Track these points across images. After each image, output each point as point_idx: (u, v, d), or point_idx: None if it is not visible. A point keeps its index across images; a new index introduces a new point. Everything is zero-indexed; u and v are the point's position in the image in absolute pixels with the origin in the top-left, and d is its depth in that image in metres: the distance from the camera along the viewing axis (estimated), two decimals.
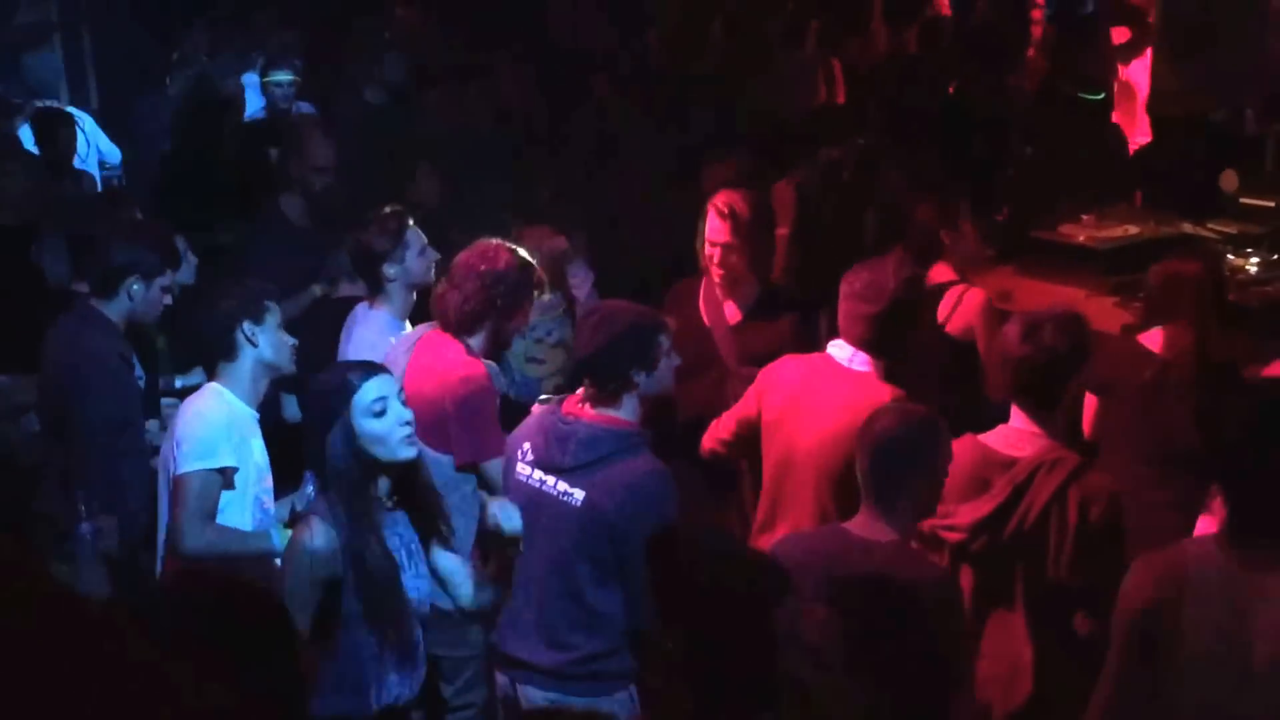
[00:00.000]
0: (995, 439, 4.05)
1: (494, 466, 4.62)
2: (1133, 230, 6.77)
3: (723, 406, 4.96)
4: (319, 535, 3.68)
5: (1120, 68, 8.61)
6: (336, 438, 3.73)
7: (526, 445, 4.23)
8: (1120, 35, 9.12)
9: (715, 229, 5.28)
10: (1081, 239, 6.69)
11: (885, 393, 4.31)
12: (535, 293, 4.98)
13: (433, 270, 5.30)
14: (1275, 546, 3.13)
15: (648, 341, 4.17)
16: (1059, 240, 6.72)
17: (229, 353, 4.47)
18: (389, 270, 5.29)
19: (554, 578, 4.18)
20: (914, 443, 3.73)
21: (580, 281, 6.08)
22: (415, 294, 5.36)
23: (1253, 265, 6.37)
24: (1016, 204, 7.15)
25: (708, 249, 5.30)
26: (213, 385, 4.50)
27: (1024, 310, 4.25)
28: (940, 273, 5.52)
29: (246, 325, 4.46)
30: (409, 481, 3.88)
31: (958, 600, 3.82)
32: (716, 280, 5.34)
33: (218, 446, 4.35)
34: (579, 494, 4.10)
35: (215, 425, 4.38)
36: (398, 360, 4.83)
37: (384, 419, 3.75)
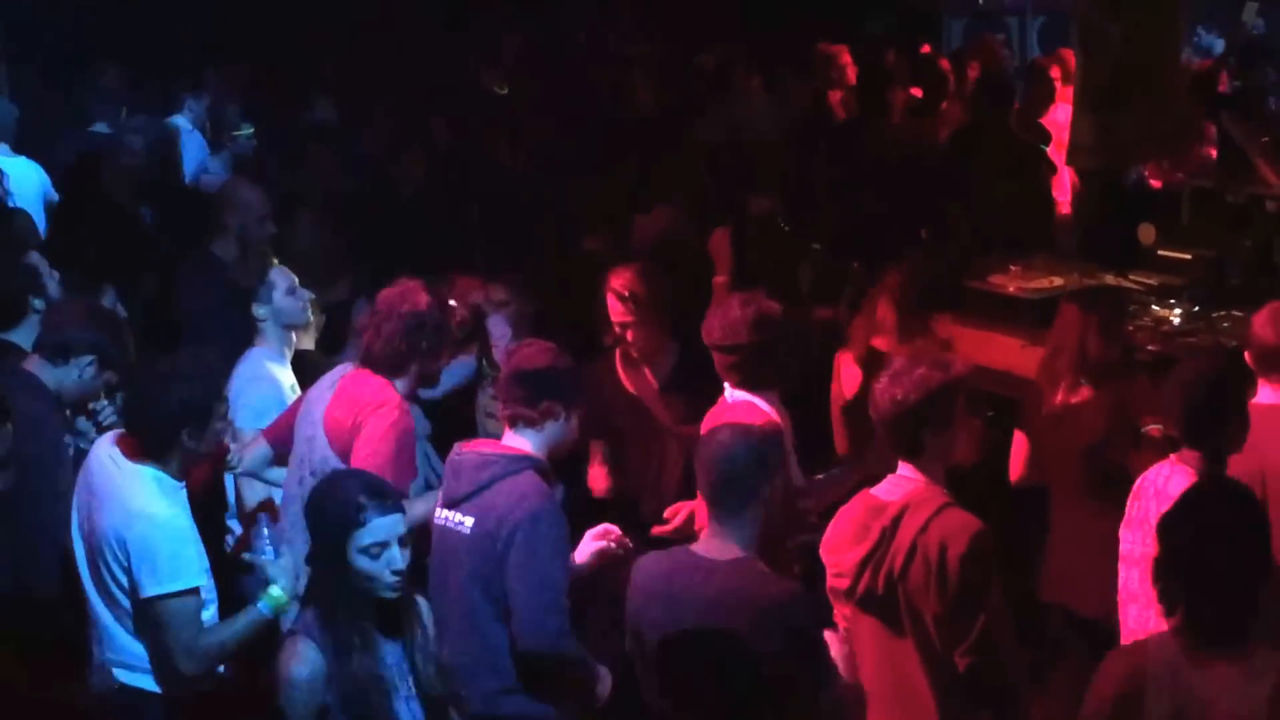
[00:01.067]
0: (881, 488, 4.18)
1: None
2: (1058, 281, 6.98)
3: (664, 469, 5.10)
4: (305, 662, 3.62)
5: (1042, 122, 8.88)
6: (327, 563, 3.70)
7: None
8: (1040, 94, 9.44)
9: (616, 311, 5.46)
10: (1011, 289, 6.91)
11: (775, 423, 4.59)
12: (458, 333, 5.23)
13: (308, 310, 5.52)
14: (1226, 644, 3.29)
15: (569, 380, 4.43)
16: (991, 290, 6.93)
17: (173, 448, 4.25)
18: (258, 310, 5.48)
19: (457, 613, 4.30)
20: (752, 457, 3.95)
21: (498, 339, 6.03)
22: (294, 334, 5.52)
23: (1175, 316, 6.61)
24: (957, 254, 7.36)
25: (616, 317, 5.48)
26: (150, 471, 4.24)
27: (892, 360, 4.35)
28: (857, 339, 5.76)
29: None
30: (400, 609, 3.83)
31: (810, 615, 3.96)
32: (630, 344, 5.51)
33: (187, 562, 4.14)
34: (469, 521, 4.24)
35: (179, 535, 4.18)
36: (321, 397, 4.95)
37: (378, 562, 3.68)
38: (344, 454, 4.74)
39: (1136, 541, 4.44)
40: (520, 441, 4.38)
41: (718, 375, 5.20)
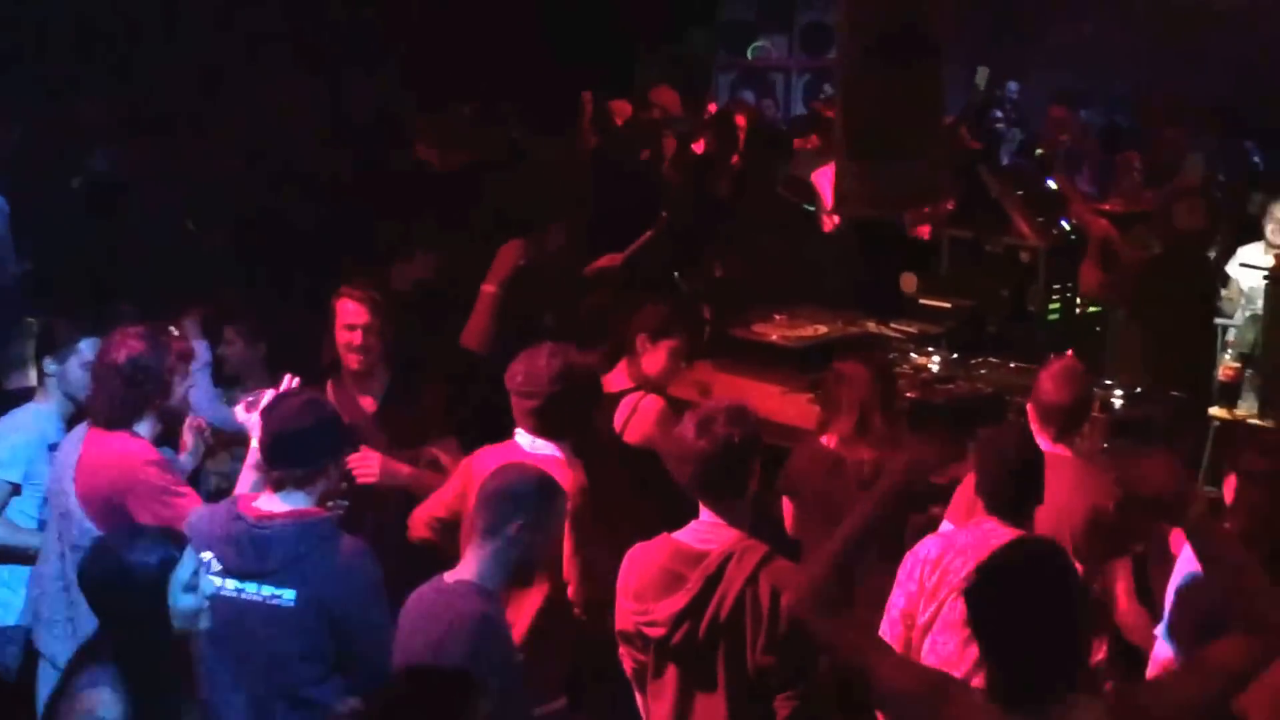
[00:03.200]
0: (687, 535, 4.18)
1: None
2: (821, 329, 7.12)
3: None
4: (108, 708, 3.47)
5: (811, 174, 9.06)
6: (140, 618, 3.55)
7: (208, 555, 4.08)
8: (811, 141, 9.66)
9: (353, 312, 5.46)
10: (774, 337, 7.00)
11: (567, 476, 4.58)
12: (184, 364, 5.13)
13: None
14: (1036, 701, 3.26)
15: (338, 430, 4.37)
16: (754, 339, 7.01)
17: None
18: (49, 365, 5.34)
19: (263, 683, 4.14)
20: (525, 494, 4.04)
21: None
22: (72, 405, 5.33)
23: (934, 364, 6.77)
24: (717, 303, 7.44)
25: (344, 338, 5.48)
26: None
27: (693, 410, 4.37)
28: (617, 380, 5.72)
29: None
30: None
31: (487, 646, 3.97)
32: (355, 368, 5.50)
33: None
34: (289, 593, 4.10)
35: None
36: (66, 468, 4.91)
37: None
38: (106, 523, 4.65)
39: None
40: (297, 500, 4.25)
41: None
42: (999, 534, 4.29)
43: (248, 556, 4.12)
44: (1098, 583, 4.93)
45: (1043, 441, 4.97)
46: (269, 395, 4.64)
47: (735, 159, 9.43)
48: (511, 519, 4.05)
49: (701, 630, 4.02)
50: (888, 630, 4.46)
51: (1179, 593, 4.42)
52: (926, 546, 4.50)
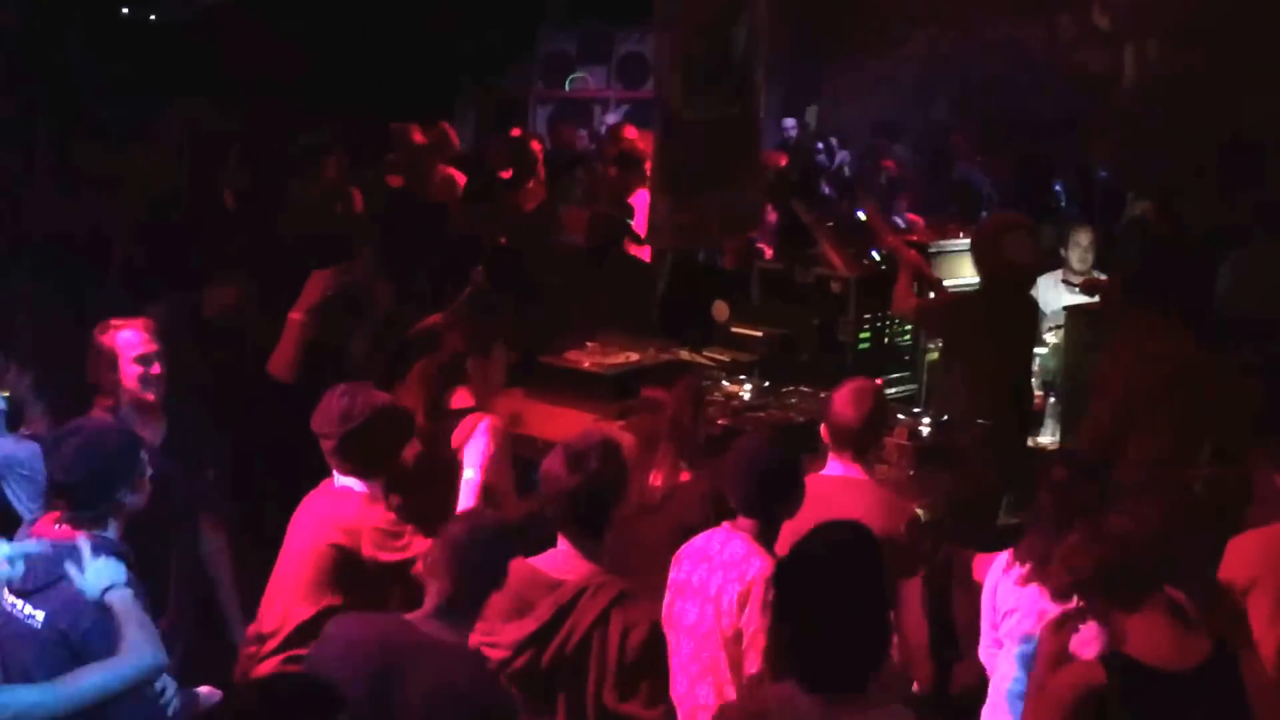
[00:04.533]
0: (544, 561, 4.21)
1: None
2: (634, 357, 7.16)
3: None
4: None
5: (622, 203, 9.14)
6: None
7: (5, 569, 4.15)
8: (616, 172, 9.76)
9: (143, 343, 5.43)
10: (587, 365, 7.03)
11: (372, 511, 4.69)
12: None
13: None
14: (849, 690, 3.38)
15: (134, 460, 4.29)
16: (565, 366, 7.04)
17: None
18: None
19: None
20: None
21: None
22: None
23: (746, 392, 6.86)
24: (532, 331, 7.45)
25: (135, 370, 5.43)
26: None
27: (563, 440, 4.42)
28: (461, 398, 5.69)
29: None
30: None
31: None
32: (152, 399, 5.47)
33: None
34: (40, 615, 4.08)
35: None
36: None
37: None
38: None
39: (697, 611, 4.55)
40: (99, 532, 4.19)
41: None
42: (737, 541, 4.52)
43: (23, 575, 4.09)
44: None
45: (838, 464, 5.10)
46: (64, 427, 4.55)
47: (533, 184, 9.45)
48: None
49: (545, 660, 4.03)
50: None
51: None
52: (687, 545, 4.64)
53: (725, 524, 4.62)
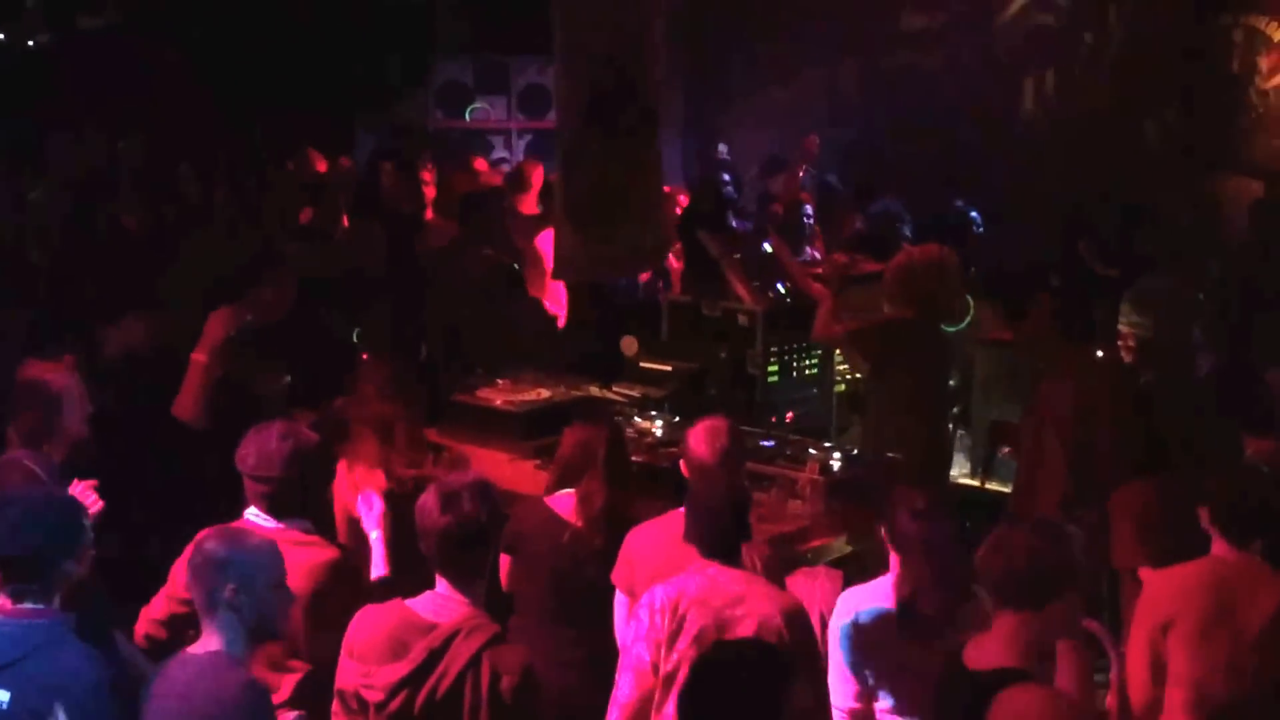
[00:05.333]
0: (419, 604, 4.19)
1: None
2: (545, 394, 7.17)
3: None
4: None
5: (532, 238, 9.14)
6: None
7: None
8: (529, 207, 9.74)
9: (77, 383, 5.38)
10: (498, 403, 7.03)
11: (308, 554, 4.62)
12: None
13: None
14: None
15: (79, 529, 4.18)
16: (478, 404, 7.02)
17: None
18: None
19: None
20: (226, 558, 4.01)
21: None
22: None
23: (657, 428, 6.89)
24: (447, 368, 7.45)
25: (80, 413, 5.38)
26: None
27: (441, 480, 4.42)
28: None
29: None
30: None
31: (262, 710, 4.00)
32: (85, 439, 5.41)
33: None
34: (4, 694, 3.94)
35: None
36: None
37: None
38: None
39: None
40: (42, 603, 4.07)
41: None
42: (725, 576, 4.51)
43: None
44: None
45: None
46: None
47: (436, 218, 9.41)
48: (223, 585, 3.99)
49: (418, 704, 4.03)
50: (633, 683, 4.50)
51: None
52: (654, 595, 4.55)
53: (699, 562, 4.62)
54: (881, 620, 4.66)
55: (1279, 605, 4.52)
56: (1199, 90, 12.46)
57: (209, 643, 4.01)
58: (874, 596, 4.72)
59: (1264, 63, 12.21)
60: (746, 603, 4.46)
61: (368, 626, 4.18)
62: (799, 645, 4.43)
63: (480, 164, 10.95)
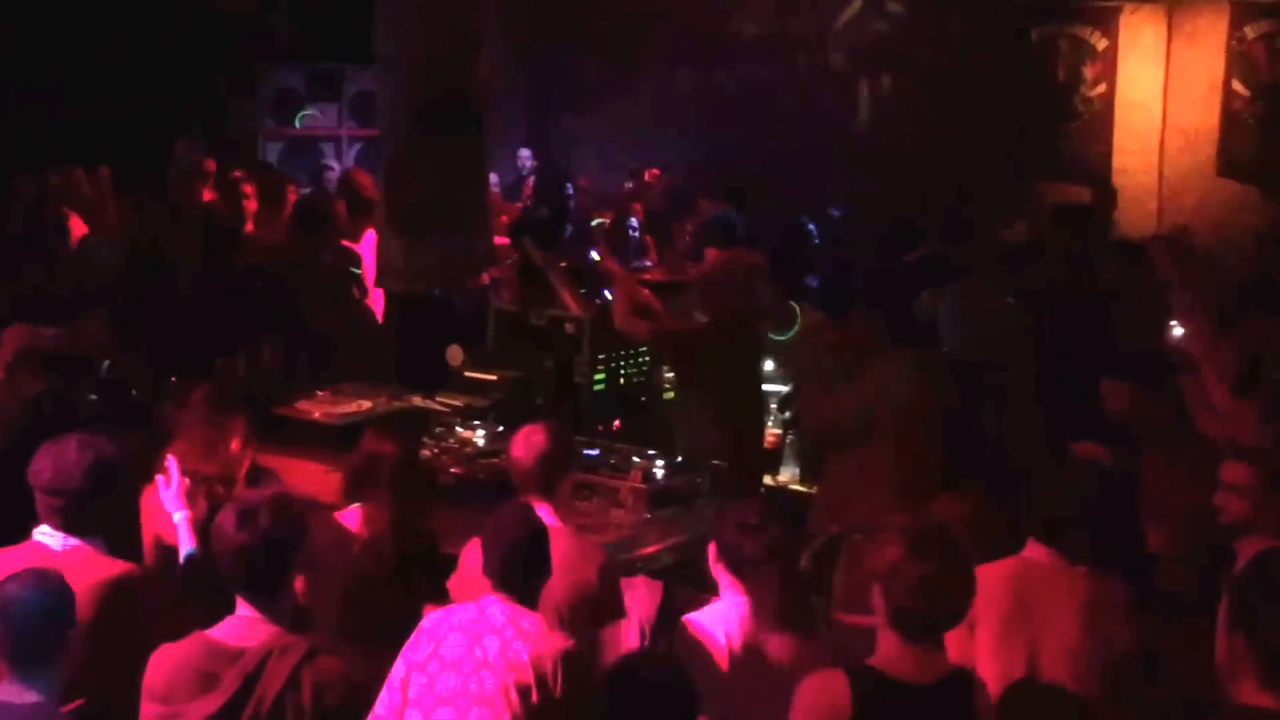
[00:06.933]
0: (221, 631, 4.11)
1: None
2: (365, 405, 7.15)
3: None
4: None
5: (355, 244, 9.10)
6: None
7: None
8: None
9: None
10: (317, 415, 7.00)
11: (114, 567, 4.55)
12: None
13: None
14: None
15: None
16: (297, 417, 6.98)
17: None
18: None
19: None
20: (48, 605, 3.92)
21: None
22: None
23: (480, 438, 6.89)
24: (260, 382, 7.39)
25: None
26: None
27: (237, 497, 4.39)
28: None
29: None
30: None
31: None
32: None
33: None
34: None
35: None
36: None
37: None
38: None
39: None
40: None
41: None
42: (499, 608, 4.37)
43: None
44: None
45: None
46: None
47: (250, 227, 9.32)
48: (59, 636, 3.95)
49: None
50: (386, 698, 4.40)
51: None
52: (430, 618, 4.52)
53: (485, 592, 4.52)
54: (715, 659, 4.62)
55: (1080, 605, 4.63)
56: (1027, 99, 12.81)
57: (20, 692, 3.92)
58: (712, 625, 4.68)
59: (1089, 71, 12.59)
60: (505, 640, 4.34)
61: (167, 665, 4.02)
62: (566, 687, 4.30)
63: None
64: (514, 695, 4.24)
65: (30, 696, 3.88)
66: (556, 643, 4.35)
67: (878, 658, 4.02)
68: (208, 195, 10.32)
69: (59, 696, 3.97)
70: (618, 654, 5.02)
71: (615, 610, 5.16)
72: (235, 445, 5.62)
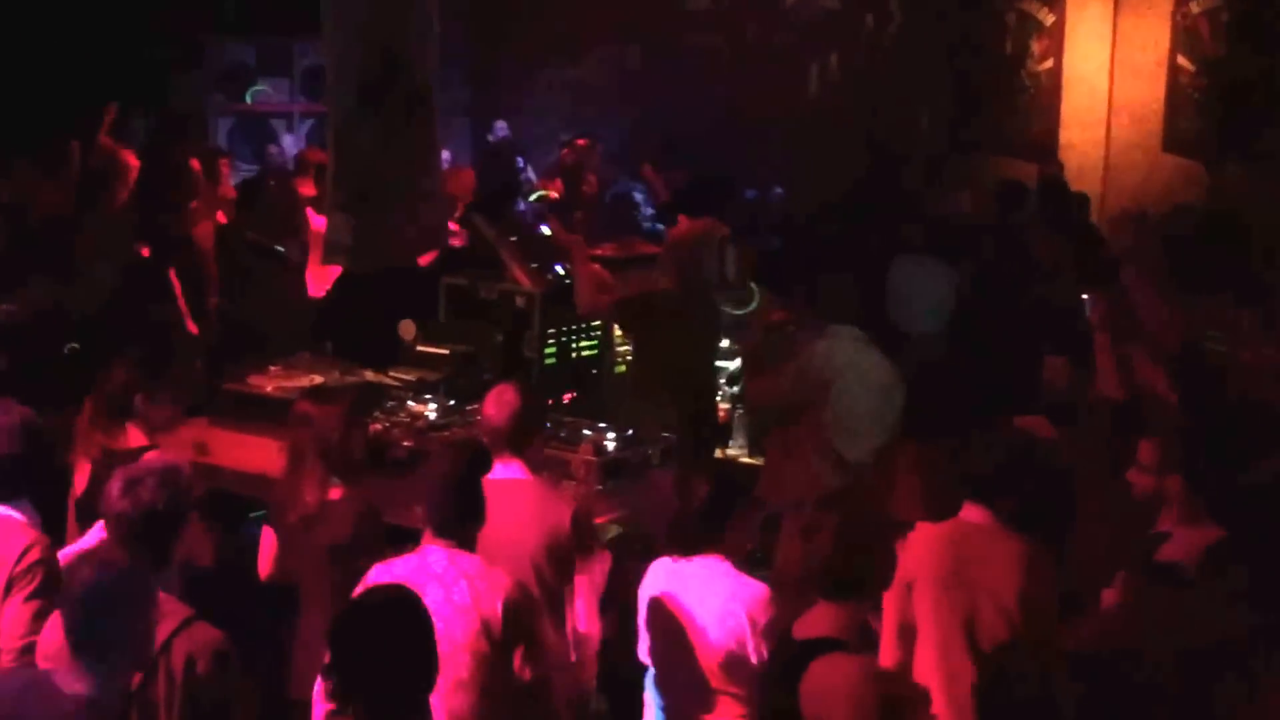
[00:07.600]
0: None
1: None
2: (318, 379, 7.24)
3: None
4: None
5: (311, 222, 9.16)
6: None
7: None
8: (308, 188, 9.74)
9: None
10: (270, 389, 7.08)
11: (28, 536, 4.60)
12: None
13: None
14: None
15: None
16: (249, 391, 7.07)
17: None
18: None
19: None
20: (116, 593, 3.87)
21: None
22: None
23: (431, 411, 7.01)
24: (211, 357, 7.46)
25: None
26: None
27: (125, 467, 4.47)
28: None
29: None
30: None
31: None
32: None
33: None
34: None
35: None
36: None
37: None
38: None
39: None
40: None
41: None
42: (439, 555, 4.59)
43: None
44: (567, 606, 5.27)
45: (500, 467, 5.21)
46: None
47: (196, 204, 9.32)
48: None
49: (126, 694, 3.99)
50: None
51: None
52: (373, 571, 4.65)
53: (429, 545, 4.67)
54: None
55: (1014, 567, 4.79)
56: (973, 74, 12.97)
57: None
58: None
59: (1036, 46, 12.76)
60: (447, 585, 4.54)
61: (52, 625, 4.05)
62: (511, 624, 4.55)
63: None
64: (468, 637, 4.48)
65: (79, 687, 3.78)
66: (498, 580, 4.57)
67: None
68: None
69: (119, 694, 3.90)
70: (585, 603, 5.29)
71: (585, 558, 5.33)
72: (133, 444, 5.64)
